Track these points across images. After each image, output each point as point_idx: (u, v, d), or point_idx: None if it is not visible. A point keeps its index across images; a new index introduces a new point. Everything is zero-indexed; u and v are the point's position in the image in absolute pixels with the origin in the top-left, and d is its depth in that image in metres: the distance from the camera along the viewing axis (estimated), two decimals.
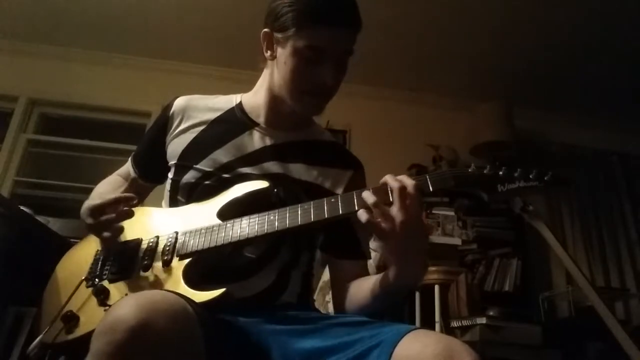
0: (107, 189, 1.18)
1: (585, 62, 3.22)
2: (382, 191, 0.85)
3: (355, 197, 0.87)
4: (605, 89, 3.47)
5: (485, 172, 0.87)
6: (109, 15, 3.10)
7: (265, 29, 1.02)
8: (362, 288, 0.98)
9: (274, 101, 1.07)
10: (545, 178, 0.84)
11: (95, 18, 3.12)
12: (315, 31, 0.94)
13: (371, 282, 0.95)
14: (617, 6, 2.73)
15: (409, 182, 0.83)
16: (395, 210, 0.81)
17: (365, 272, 1.07)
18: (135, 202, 1.00)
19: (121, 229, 0.97)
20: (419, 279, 0.93)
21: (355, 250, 1.08)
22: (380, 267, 2.51)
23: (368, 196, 0.84)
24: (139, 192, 1.22)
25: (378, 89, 3.67)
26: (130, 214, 0.96)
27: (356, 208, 0.86)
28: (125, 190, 1.18)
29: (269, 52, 1.03)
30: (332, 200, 0.89)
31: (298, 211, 0.90)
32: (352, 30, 0.98)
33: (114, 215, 0.96)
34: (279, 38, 0.99)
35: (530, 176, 0.85)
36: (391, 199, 0.83)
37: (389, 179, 0.85)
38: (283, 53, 0.99)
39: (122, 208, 0.97)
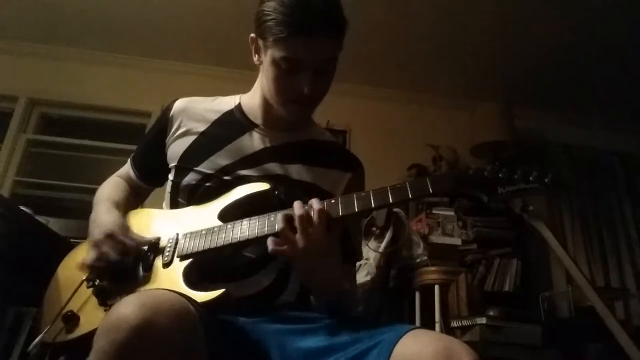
0: (116, 194, 1.15)
1: (585, 62, 3.22)
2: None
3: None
4: (606, 89, 3.47)
5: (485, 174, 0.86)
6: (109, 15, 3.09)
7: (252, 34, 1.02)
8: None
9: (266, 104, 1.07)
10: (546, 180, 0.83)
11: (95, 18, 3.12)
12: (291, 42, 0.92)
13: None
14: (618, 6, 2.73)
15: (316, 206, 0.86)
16: (297, 237, 0.85)
17: (348, 275, 1.04)
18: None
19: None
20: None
21: (347, 253, 1.06)
22: (380, 267, 2.51)
23: (279, 220, 0.87)
24: (139, 194, 1.23)
25: (378, 89, 3.66)
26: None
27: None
28: (129, 194, 1.18)
29: (256, 57, 1.03)
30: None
31: None
32: (331, 39, 0.95)
33: (118, 257, 0.94)
34: (261, 45, 0.99)
35: (531, 178, 0.84)
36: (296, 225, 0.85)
37: (295, 205, 0.87)
38: (265, 60, 0.99)
39: (130, 257, 0.95)
